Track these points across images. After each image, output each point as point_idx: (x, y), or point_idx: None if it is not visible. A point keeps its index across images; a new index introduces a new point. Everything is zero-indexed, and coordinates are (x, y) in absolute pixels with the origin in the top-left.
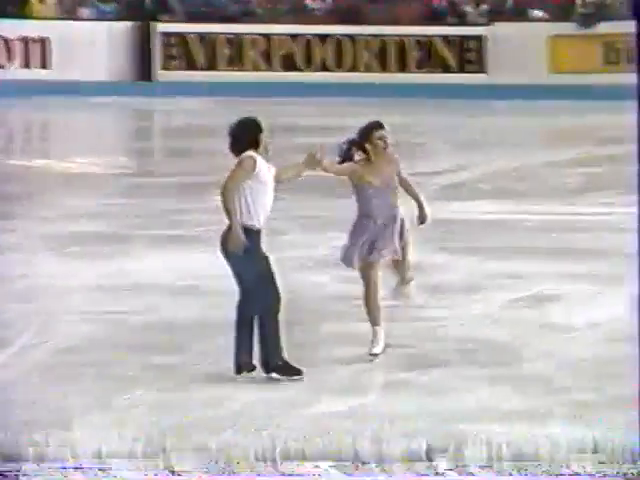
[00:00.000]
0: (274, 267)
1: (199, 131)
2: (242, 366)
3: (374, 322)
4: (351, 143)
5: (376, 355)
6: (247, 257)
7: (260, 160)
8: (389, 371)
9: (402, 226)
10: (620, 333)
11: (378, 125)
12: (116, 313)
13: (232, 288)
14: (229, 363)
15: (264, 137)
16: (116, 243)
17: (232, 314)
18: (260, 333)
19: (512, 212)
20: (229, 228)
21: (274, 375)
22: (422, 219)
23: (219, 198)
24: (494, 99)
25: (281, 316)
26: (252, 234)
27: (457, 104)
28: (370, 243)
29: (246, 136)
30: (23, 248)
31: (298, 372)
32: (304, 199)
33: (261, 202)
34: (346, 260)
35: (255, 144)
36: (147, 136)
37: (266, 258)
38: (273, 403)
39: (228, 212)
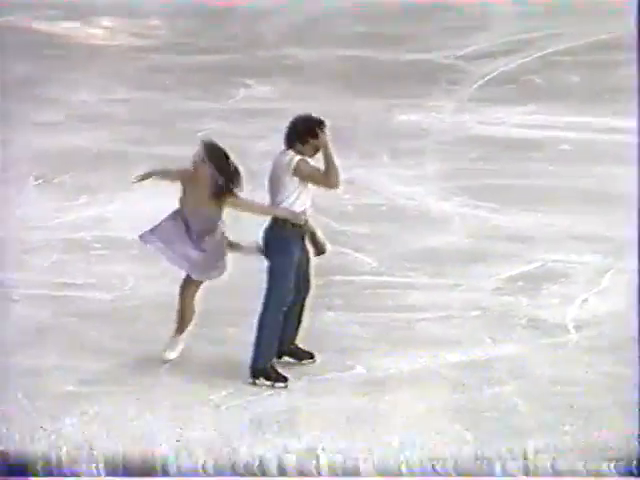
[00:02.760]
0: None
1: None
2: (285, 351)
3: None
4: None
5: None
6: (296, 247)
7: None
8: None
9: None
10: None
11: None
12: None
13: None
14: None
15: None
16: None
17: None
18: (285, 318)
19: None
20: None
21: (288, 359)
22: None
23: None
24: None
25: None
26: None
27: None
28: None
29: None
30: None
31: (311, 356)
32: None
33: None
34: None
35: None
36: None
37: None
38: None
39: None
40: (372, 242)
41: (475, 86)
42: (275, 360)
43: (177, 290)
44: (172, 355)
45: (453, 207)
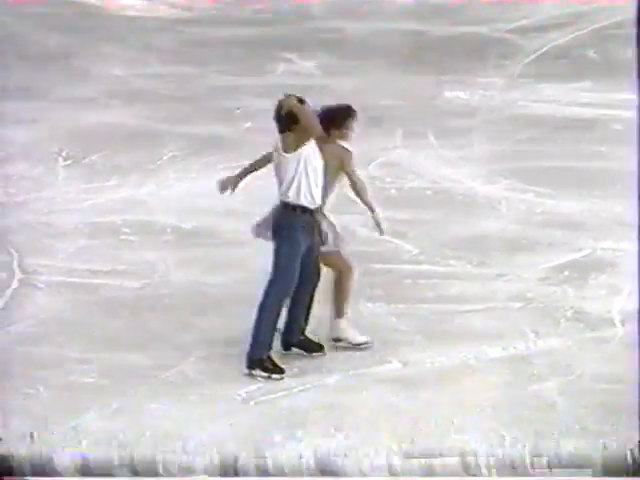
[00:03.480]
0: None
1: None
2: (294, 343)
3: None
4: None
5: None
6: (304, 236)
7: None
8: None
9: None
10: None
11: (354, 114)
12: None
13: None
14: None
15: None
16: None
17: None
18: (293, 309)
19: None
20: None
21: (296, 350)
22: (380, 231)
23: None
24: None
25: None
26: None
27: None
28: None
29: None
30: None
31: (321, 348)
32: None
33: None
34: None
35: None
36: None
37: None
38: None
39: None
40: (414, 228)
41: (526, 61)
42: (284, 352)
43: (210, 278)
44: (360, 337)
45: (500, 191)
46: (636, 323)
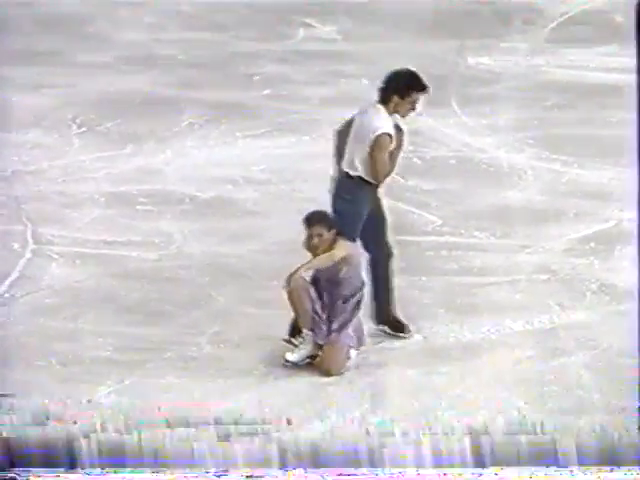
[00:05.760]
0: None
1: None
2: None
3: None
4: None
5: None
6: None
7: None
8: None
9: None
10: None
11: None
12: None
13: None
14: None
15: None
16: None
17: None
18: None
19: None
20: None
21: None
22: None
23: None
24: None
25: None
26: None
27: None
28: None
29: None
30: None
31: (406, 330)
32: None
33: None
34: None
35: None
36: None
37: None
38: None
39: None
40: (438, 199)
41: (551, 26)
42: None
43: (228, 250)
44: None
45: (526, 160)
46: None
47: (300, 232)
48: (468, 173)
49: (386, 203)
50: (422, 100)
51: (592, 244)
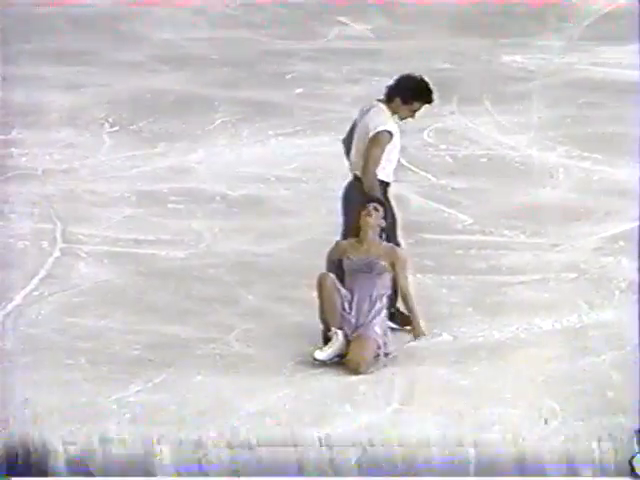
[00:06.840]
0: None
1: None
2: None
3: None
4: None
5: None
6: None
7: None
8: None
9: None
10: None
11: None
12: None
13: None
14: None
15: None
16: None
17: None
18: None
19: None
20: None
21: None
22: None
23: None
24: None
25: None
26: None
27: None
28: None
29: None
30: None
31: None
32: None
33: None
34: None
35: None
36: None
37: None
38: None
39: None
40: (469, 197)
41: (585, 24)
42: None
43: (258, 248)
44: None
45: (558, 158)
46: None
47: (330, 232)
48: (499, 171)
49: (417, 201)
50: (455, 98)
51: (621, 243)
